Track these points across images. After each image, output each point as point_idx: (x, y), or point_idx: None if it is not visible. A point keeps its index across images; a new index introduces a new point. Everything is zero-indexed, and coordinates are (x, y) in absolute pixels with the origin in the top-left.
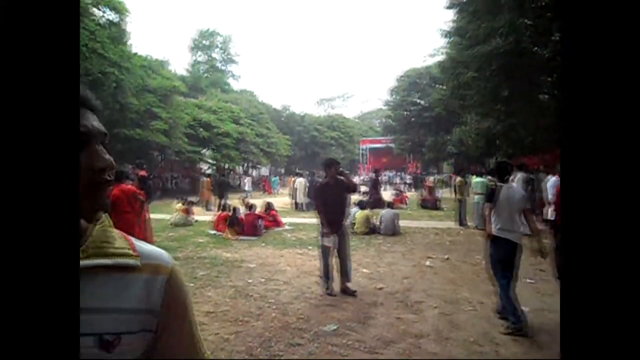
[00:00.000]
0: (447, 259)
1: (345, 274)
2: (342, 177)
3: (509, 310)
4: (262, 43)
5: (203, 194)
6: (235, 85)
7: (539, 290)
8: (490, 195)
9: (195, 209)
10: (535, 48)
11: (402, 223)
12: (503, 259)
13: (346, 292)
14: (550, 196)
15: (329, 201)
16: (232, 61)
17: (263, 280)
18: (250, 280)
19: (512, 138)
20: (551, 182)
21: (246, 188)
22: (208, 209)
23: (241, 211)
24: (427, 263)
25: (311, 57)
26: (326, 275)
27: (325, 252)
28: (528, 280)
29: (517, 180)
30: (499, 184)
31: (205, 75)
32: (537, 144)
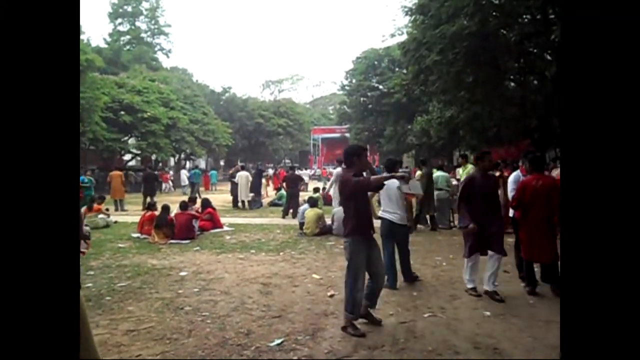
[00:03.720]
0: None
1: (372, 296)
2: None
3: (389, 275)
4: (197, 12)
5: (114, 190)
6: (165, 61)
7: (501, 293)
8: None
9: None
10: (502, 30)
11: None
12: (385, 233)
13: (372, 321)
14: (511, 192)
15: (360, 200)
16: (161, 32)
17: (196, 290)
18: (180, 291)
19: (476, 128)
20: (513, 177)
21: (183, 183)
22: (120, 209)
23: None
24: None
25: (256, 31)
26: (354, 305)
27: (357, 268)
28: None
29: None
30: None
31: (128, 47)
32: (503, 135)
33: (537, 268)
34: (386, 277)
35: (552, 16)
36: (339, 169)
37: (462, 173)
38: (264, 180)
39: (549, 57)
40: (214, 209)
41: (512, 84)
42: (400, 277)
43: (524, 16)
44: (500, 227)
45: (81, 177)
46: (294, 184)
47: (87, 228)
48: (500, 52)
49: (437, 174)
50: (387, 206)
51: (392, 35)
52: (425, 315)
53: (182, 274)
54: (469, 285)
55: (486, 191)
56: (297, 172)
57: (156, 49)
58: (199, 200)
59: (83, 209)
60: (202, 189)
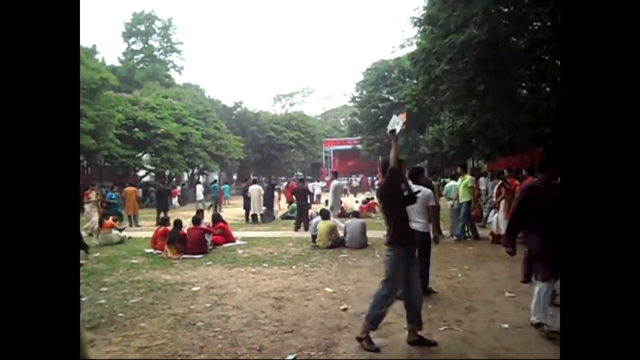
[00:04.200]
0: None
1: (415, 316)
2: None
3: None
4: (209, 29)
5: (128, 206)
6: (177, 78)
7: (519, 304)
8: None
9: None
10: (512, 38)
11: (370, 234)
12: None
13: (428, 343)
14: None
15: (398, 209)
16: (174, 50)
17: (209, 305)
18: (193, 307)
19: (488, 137)
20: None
21: (198, 197)
22: (135, 225)
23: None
24: None
25: (267, 46)
26: (377, 318)
27: (395, 284)
28: (507, 294)
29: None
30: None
31: (141, 66)
32: (516, 143)
33: None
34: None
35: None
36: (336, 182)
37: (461, 184)
38: (276, 194)
39: (559, 64)
40: (225, 223)
41: (524, 91)
42: None
43: (534, 23)
44: None
45: (109, 194)
46: (303, 197)
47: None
48: (511, 60)
49: (449, 183)
50: (410, 214)
51: (402, 46)
52: (441, 329)
53: (195, 289)
54: (540, 321)
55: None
56: (310, 184)
57: (169, 66)
58: (206, 214)
59: (96, 226)
60: (208, 203)
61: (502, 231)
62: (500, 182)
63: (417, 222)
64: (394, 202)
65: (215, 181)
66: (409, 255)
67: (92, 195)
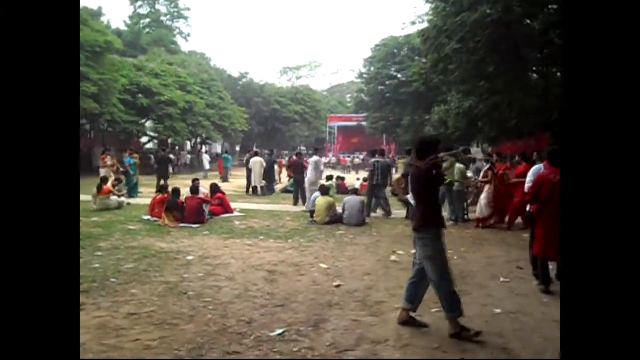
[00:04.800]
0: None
1: (417, 298)
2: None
3: None
4: None
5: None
6: (183, 45)
7: (513, 290)
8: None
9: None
10: (526, 20)
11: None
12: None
13: (413, 323)
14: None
15: (435, 192)
16: (181, 16)
17: (202, 275)
18: (186, 275)
19: (495, 120)
20: (533, 170)
21: (205, 167)
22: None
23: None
24: (393, 258)
25: (275, 17)
26: (457, 302)
27: (445, 264)
28: (502, 280)
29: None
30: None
31: (148, 31)
32: (522, 128)
33: (552, 266)
34: None
35: None
36: (315, 157)
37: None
38: (277, 167)
39: None
40: (223, 193)
41: (535, 75)
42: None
43: (550, 5)
44: None
45: (127, 160)
46: (300, 171)
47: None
48: (524, 42)
49: (458, 166)
50: (412, 192)
51: (413, 23)
52: (433, 311)
53: (189, 258)
54: None
55: None
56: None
57: (175, 32)
58: (204, 183)
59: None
60: (215, 173)
61: (486, 214)
62: (488, 166)
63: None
64: (431, 186)
65: (227, 152)
66: (442, 234)
67: (108, 160)
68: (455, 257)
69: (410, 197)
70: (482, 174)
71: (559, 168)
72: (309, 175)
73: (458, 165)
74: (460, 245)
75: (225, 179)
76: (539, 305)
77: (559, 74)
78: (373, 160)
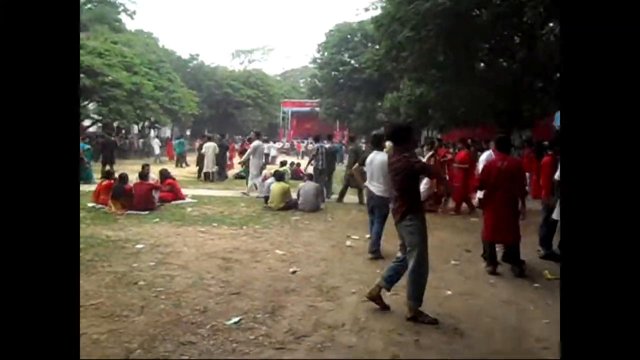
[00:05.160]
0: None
1: (393, 279)
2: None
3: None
4: None
5: None
6: (129, 23)
7: (462, 272)
8: (364, 159)
9: None
10: (475, 10)
11: None
12: (367, 202)
13: (383, 306)
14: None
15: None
16: None
17: (152, 264)
18: (135, 265)
19: (445, 107)
20: (484, 157)
21: (156, 152)
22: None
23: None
24: (348, 243)
25: None
26: (422, 290)
27: (426, 250)
28: (452, 262)
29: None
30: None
31: (89, 6)
32: (471, 116)
33: (499, 248)
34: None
35: None
36: (256, 142)
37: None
38: (228, 152)
39: (518, 40)
40: (173, 179)
41: (482, 64)
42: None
43: None
44: None
45: (81, 145)
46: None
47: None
48: (472, 32)
49: None
50: (369, 178)
51: (366, 10)
52: (388, 294)
53: (139, 246)
54: None
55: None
56: (266, 144)
57: (120, 9)
58: (154, 169)
59: None
60: (165, 158)
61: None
62: (431, 152)
63: (375, 186)
64: (414, 176)
65: (181, 136)
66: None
67: None
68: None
69: (369, 183)
70: (425, 160)
71: (507, 154)
72: (250, 160)
73: None
74: None
75: (182, 164)
76: (487, 287)
77: (505, 64)
78: (317, 145)
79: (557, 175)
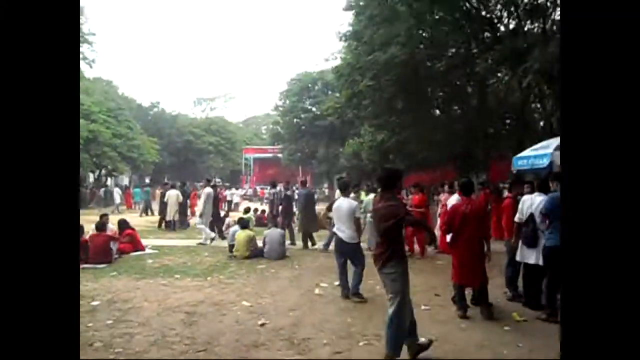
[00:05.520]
0: (339, 285)
1: (414, 329)
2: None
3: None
4: (125, 21)
5: None
6: (87, 71)
7: (434, 317)
8: (331, 205)
9: None
10: (431, 62)
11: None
12: (337, 249)
13: (424, 346)
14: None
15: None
16: (85, 41)
17: (110, 322)
18: (90, 324)
19: (405, 152)
20: (451, 200)
21: (116, 201)
22: None
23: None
24: (317, 291)
25: (188, 45)
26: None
27: (407, 299)
28: (423, 308)
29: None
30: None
31: None
32: (430, 160)
33: (468, 291)
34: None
35: (475, 51)
36: (208, 189)
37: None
38: (190, 200)
39: (469, 89)
40: (133, 229)
41: (438, 111)
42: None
43: (450, 49)
44: None
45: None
46: (215, 204)
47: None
48: (428, 81)
49: (368, 197)
50: (338, 224)
51: (327, 60)
52: (361, 344)
53: (94, 303)
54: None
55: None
56: (228, 191)
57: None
58: (112, 218)
59: None
60: (123, 207)
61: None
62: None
63: (344, 232)
64: (399, 223)
65: (145, 184)
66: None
67: None
68: (378, 287)
69: (337, 229)
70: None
71: (471, 198)
72: (200, 207)
73: (371, 196)
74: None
75: (148, 212)
76: (460, 332)
77: (459, 111)
78: (272, 191)
79: (517, 217)
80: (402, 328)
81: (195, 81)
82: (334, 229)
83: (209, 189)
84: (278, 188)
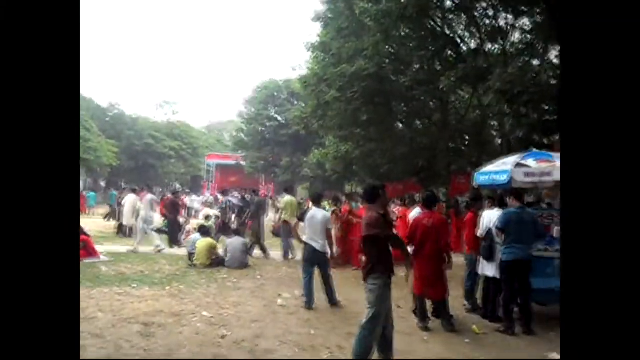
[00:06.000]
0: (303, 296)
1: (388, 346)
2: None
3: (307, 296)
4: (85, 17)
5: None
6: None
7: (395, 329)
8: (302, 215)
9: None
10: (396, 77)
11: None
12: (309, 258)
13: None
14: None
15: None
16: None
17: None
18: None
19: (369, 164)
20: (413, 213)
21: None
22: None
23: None
24: (280, 302)
25: (152, 47)
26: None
27: (382, 315)
28: None
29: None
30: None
31: None
32: (393, 173)
33: (429, 303)
34: (304, 298)
35: (439, 68)
36: (149, 195)
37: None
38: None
39: (432, 105)
40: (87, 235)
41: (402, 125)
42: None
43: (415, 65)
44: None
45: None
46: (175, 210)
47: None
48: (393, 96)
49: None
50: (311, 234)
51: (294, 69)
52: (324, 356)
53: None
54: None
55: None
56: (189, 198)
57: None
58: None
59: None
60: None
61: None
62: (333, 209)
63: (317, 242)
64: (383, 235)
65: (92, 190)
66: (390, 282)
67: None
68: (340, 298)
69: (309, 239)
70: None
71: (433, 212)
72: (142, 213)
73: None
74: (343, 286)
75: (110, 218)
76: (421, 344)
77: (421, 126)
78: (225, 199)
79: (478, 232)
80: (368, 340)
81: (158, 84)
82: (306, 239)
83: (149, 195)
84: (230, 197)
